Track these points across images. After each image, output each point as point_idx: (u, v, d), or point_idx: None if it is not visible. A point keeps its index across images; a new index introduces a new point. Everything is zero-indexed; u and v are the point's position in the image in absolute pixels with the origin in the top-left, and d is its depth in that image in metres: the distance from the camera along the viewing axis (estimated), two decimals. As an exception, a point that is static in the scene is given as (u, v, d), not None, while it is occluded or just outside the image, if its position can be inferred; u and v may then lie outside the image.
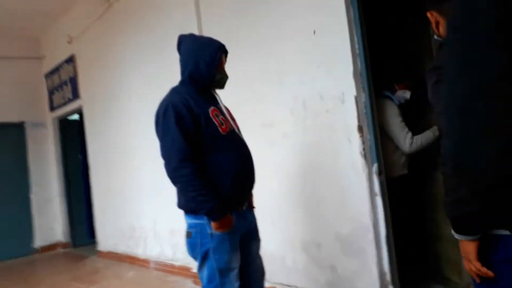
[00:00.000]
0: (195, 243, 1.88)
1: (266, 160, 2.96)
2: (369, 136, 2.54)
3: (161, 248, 4.32)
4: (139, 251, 4.66)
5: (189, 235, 1.90)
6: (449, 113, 0.73)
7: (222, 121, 1.92)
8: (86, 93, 5.48)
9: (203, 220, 1.83)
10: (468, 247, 1.12)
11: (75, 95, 5.67)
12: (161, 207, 4.29)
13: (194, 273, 3.68)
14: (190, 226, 1.91)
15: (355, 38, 2.54)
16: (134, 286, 3.99)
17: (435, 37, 1.35)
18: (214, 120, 1.88)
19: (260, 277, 2.12)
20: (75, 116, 6.57)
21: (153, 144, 4.20)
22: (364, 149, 2.51)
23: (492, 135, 0.65)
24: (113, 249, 5.16)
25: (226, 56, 2.00)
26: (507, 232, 1.04)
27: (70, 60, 5.65)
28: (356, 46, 2.54)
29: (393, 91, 2.90)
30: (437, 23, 1.28)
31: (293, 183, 2.91)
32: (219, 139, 1.87)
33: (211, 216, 1.79)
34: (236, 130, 2.00)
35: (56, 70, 6.05)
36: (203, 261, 1.88)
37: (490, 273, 1.08)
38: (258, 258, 2.12)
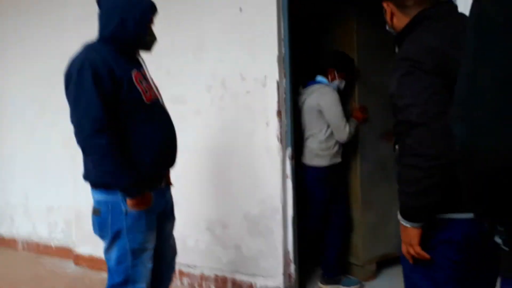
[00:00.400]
0: (104, 221, 1.68)
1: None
2: (286, 121, 2.62)
3: (33, 227, 3.79)
4: (3, 230, 4.01)
5: (97, 212, 1.70)
6: (463, 99, 0.78)
7: (147, 88, 1.73)
8: None
9: (116, 197, 1.64)
10: (412, 233, 1.22)
11: None
12: (36, 181, 3.77)
13: (77, 254, 3.35)
14: (98, 203, 1.70)
15: (282, 24, 2.58)
16: (1, 269, 3.42)
17: (388, 28, 1.43)
18: (138, 86, 1.68)
19: (172, 257, 2.01)
20: None
21: (31, 104, 3.74)
22: (281, 133, 2.58)
23: (509, 120, 0.72)
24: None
25: (154, 16, 1.79)
26: (455, 216, 1.18)
27: None
28: (282, 32, 2.58)
29: (331, 78, 2.80)
30: (392, 15, 1.36)
31: (203, 162, 2.84)
32: (141, 108, 1.69)
33: (128, 192, 1.62)
34: (160, 99, 1.84)
35: None
36: (113, 241, 1.69)
37: (427, 256, 1.21)
38: (172, 238, 2.01)
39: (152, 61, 2.91)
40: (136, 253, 1.71)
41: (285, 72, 2.60)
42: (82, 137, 1.58)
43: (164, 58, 2.93)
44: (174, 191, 2.90)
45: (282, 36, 2.58)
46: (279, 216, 2.60)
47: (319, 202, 2.81)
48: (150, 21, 1.76)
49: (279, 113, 2.58)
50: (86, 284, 3.02)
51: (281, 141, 2.58)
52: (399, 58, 1.24)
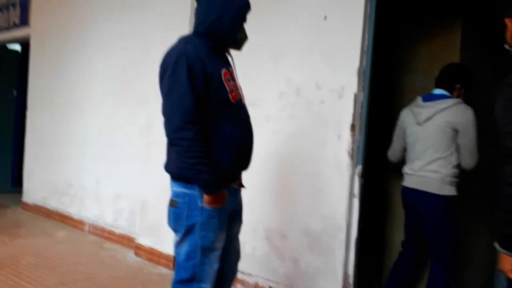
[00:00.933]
0: (180, 214, 1.70)
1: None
2: (359, 136, 2.49)
3: (100, 212, 3.99)
4: (73, 210, 4.27)
5: (174, 204, 1.71)
6: None
7: (233, 88, 1.73)
8: (39, 21, 4.82)
9: (195, 191, 1.66)
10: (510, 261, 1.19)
11: (24, 21, 4.98)
12: (107, 167, 3.96)
13: (137, 244, 3.45)
14: (177, 195, 1.71)
15: (366, 35, 2.45)
16: (66, 247, 3.64)
17: (506, 47, 1.28)
18: (226, 84, 1.69)
19: (235, 260, 1.99)
20: (16, 47, 5.83)
21: (109, 98, 3.94)
22: (352, 148, 2.45)
23: None
24: (41, 203, 4.68)
25: (248, 14, 1.79)
26: None
27: (25, -20, 4.94)
28: (366, 44, 2.45)
29: (457, 95, 2.46)
30: None
31: (269, 168, 2.78)
32: (227, 106, 1.69)
33: (207, 189, 1.62)
34: (243, 100, 1.84)
35: (4, -13, 5.27)
36: (185, 235, 1.71)
37: None
38: (237, 241, 1.99)
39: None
40: (206, 251, 1.70)
41: (364, 85, 2.47)
42: (171, 128, 1.60)
43: (242, 59, 2.92)
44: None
45: (365, 48, 2.45)
46: (342, 236, 2.46)
47: (453, 234, 2.43)
48: (244, 19, 1.76)
49: (352, 127, 2.45)
50: (144, 275, 3.09)
51: (352, 156, 2.45)
52: (508, 83, 1.14)
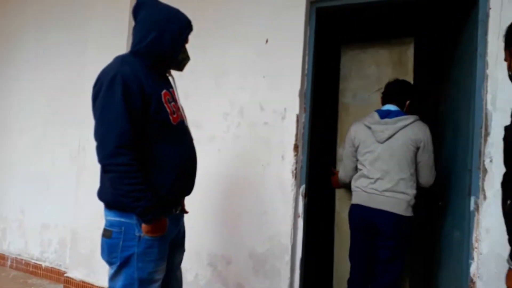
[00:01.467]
0: (115, 244, 1.56)
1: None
2: (302, 156, 2.52)
3: (25, 244, 3.62)
4: (-7, 244, 3.84)
5: (108, 234, 1.58)
6: None
7: (174, 109, 1.66)
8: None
9: (131, 219, 1.55)
10: None
11: None
12: (33, 196, 3.64)
13: (67, 278, 3.16)
14: (111, 224, 1.59)
15: (307, 58, 2.54)
16: (-19, 287, 3.24)
17: (509, 73, 1.37)
18: (166, 105, 1.61)
19: None
20: None
21: (38, 120, 3.68)
22: (296, 168, 2.48)
23: None
24: (-46, 238, 4.16)
25: (190, 34, 1.74)
26: None
27: None
28: (306, 66, 2.53)
29: (407, 112, 2.45)
30: None
31: (212, 190, 2.71)
32: (168, 129, 1.60)
33: (146, 217, 1.50)
34: (185, 122, 1.76)
35: None
36: (121, 267, 1.57)
37: None
38: (179, 271, 1.87)
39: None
40: (144, 283, 1.58)
41: (305, 106, 2.53)
42: (104, 154, 1.47)
43: (183, 80, 2.88)
44: (178, 219, 2.79)
45: (306, 71, 2.53)
46: (287, 257, 2.44)
47: (407, 254, 2.46)
48: (186, 39, 1.71)
49: (296, 147, 2.48)
50: (73, 311, 2.82)
51: (295, 176, 2.47)
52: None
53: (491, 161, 2.00)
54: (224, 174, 2.69)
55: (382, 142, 2.33)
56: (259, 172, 2.57)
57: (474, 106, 2.11)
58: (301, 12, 2.50)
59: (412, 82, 2.74)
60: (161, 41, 1.61)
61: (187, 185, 1.73)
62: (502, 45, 1.96)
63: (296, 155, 2.48)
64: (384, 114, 2.39)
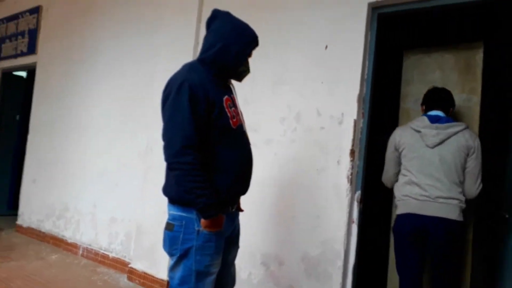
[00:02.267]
0: (176, 237, 1.68)
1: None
2: (359, 162, 2.51)
3: (95, 235, 3.93)
4: (68, 234, 4.21)
5: (170, 227, 1.70)
6: None
7: (234, 114, 1.77)
8: (45, 49, 4.96)
9: (192, 214, 1.67)
10: None
11: (31, 49, 5.11)
12: (105, 191, 3.93)
13: (131, 268, 3.38)
14: (173, 218, 1.71)
15: (367, 63, 2.53)
16: (58, 270, 3.55)
17: None
18: (227, 110, 1.72)
19: (230, 287, 1.95)
20: (22, 73, 5.95)
21: (110, 122, 3.98)
22: (351, 173, 2.47)
23: None
24: (36, 226, 4.62)
25: (254, 49, 1.84)
26: None
27: (35, 10, 5.10)
28: (366, 71, 2.52)
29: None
30: None
31: (268, 192, 2.78)
32: (228, 132, 1.72)
33: (206, 213, 1.61)
34: (244, 126, 1.86)
35: (15, 17, 5.44)
36: (180, 259, 1.69)
37: None
38: (233, 267, 1.96)
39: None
40: (201, 275, 1.68)
41: (363, 111, 2.52)
42: (171, 153, 1.60)
43: (243, 86, 2.99)
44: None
45: (365, 76, 2.52)
46: (340, 262, 2.43)
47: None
48: (250, 53, 1.81)
49: (352, 152, 2.47)
50: (135, 300, 3.01)
51: (351, 182, 2.46)
52: None
53: None
54: (280, 177, 2.75)
55: (433, 147, 2.27)
56: (315, 176, 2.59)
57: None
58: (362, 18, 2.50)
59: (480, 88, 2.64)
60: (226, 53, 1.72)
61: (243, 186, 1.82)
62: None
63: (352, 160, 2.47)
64: (434, 119, 2.33)
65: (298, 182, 2.66)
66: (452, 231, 2.21)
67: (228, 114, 1.71)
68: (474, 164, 2.24)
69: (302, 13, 2.76)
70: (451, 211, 2.20)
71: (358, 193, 2.50)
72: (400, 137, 2.39)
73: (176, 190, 1.68)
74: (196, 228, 1.66)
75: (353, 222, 2.48)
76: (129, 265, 3.42)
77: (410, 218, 2.28)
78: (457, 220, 2.21)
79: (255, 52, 1.83)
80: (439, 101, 2.41)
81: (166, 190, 1.75)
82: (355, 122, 2.48)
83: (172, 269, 1.73)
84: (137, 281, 3.29)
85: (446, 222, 2.19)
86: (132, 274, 3.37)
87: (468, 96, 2.71)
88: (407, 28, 3.59)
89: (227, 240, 1.82)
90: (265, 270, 2.73)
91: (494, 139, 3.00)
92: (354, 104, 2.49)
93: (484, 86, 2.67)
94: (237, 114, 1.78)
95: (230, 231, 1.83)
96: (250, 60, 1.85)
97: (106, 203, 3.90)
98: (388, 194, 2.87)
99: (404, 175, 2.36)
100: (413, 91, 2.90)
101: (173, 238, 1.69)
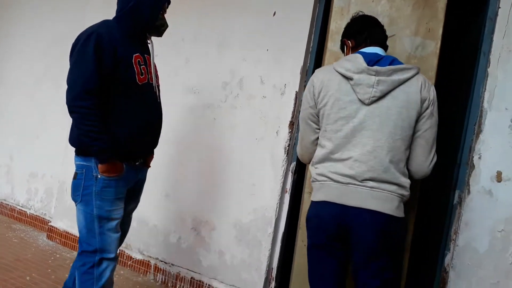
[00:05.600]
0: (78, 184, 1.77)
1: (180, 125, 2.75)
2: (297, 134, 2.54)
3: (11, 190, 3.64)
4: (-21, 187, 3.85)
5: (75, 176, 1.80)
6: None
7: (143, 71, 1.84)
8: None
9: (91, 162, 1.76)
10: None
11: None
12: (25, 143, 3.63)
13: (51, 226, 3.20)
14: (77, 167, 1.80)
15: (313, 36, 2.52)
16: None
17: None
18: (135, 66, 1.80)
19: (126, 233, 2.07)
20: None
21: (33, 72, 3.64)
22: (289, 145, 2.50)
23: None
24: None
25: (168, 5, 1.93)
26: None
27: None
28: (311, 44, 2.52)
29: None
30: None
31: (205, 158, 2.74)
32: (132, 87, 1.79)
33: (99, 156, 1.71)
34: (155, 86, 1.93)
35: None
36: (82, 205, 1.77)
37: None
38: (129, 218, 2.06)
39: (172, 47, 2.88)
40: (103, 220, 1.76)
41: (306, 84, 2.53)
42: (71, 96, 1.67)
43: (185, 46, 2.87)
44: (168, 180, 2.82)
45: (311, 48, 2.52)
46: (270, 229, 2.49)
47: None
48: (163, 8, 1.88)
49: (291, 124, 2.50)
50: (56, 259, 2.87)
51: (287, 153, 2.50)
52: None
53: (479, 157, 2.04)
54: (219, 143, 2.71)
55: (369, 104, 1.51)
56: (253, 145, 2.59)
57: (471, 103, 2.14)
58: (313, -12, 2.47)
59: (441, 30, 1.95)
60: (139, 8, 1.80)
61: (143, 140, 1.88)
62: (506, 44, 1.99)
63: (290, 132, 2.50)
64: (370, 58, 1.55)
65: (236, 149, 2.65)
66: (386, 231, 1.50)
67: (136, 70, 1.78)
68: (428, 125, 1.54)
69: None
70: (386, 202, 1.50)
71: (294, 164, 2.55)
72: (322, 85, 1.58)
73: (76, 136, 1.74)
74: (94, 174, 1.74)
75: (286, 191, 2.54)
76: (49, 223, 3.23)
77: (326, 209, 1.56)
78: (394, 215, 1.50)
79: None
80: (376, 34, 1.64)
81: (71, 138, 1.81)
82: (297, 94, 2.49)
83: (77, 217, 1.79)
84: (57, 240, 3.13)
85: (378, 218, 1.48)
86: (52, 232, 3.19)
87: (423, 41, 1.96)
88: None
89: (129, 192, 1.90)
90: (196, 235, 2.73)
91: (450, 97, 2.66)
92: (298, 76, 2.49)
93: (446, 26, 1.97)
94: (146, 73, 1.85)
95: (133, 182, 1.91)
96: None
97: (25, 157, 3.60)
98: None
99: (322, 146, 1.60)
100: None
101: (75, 186, 1.78)
